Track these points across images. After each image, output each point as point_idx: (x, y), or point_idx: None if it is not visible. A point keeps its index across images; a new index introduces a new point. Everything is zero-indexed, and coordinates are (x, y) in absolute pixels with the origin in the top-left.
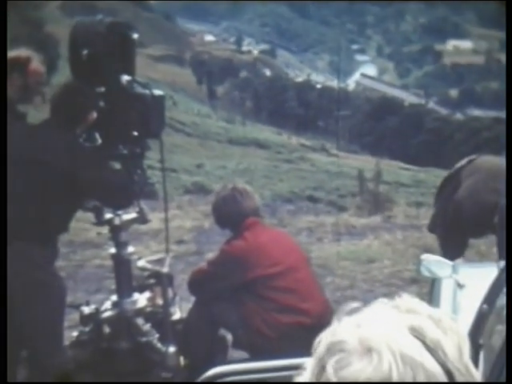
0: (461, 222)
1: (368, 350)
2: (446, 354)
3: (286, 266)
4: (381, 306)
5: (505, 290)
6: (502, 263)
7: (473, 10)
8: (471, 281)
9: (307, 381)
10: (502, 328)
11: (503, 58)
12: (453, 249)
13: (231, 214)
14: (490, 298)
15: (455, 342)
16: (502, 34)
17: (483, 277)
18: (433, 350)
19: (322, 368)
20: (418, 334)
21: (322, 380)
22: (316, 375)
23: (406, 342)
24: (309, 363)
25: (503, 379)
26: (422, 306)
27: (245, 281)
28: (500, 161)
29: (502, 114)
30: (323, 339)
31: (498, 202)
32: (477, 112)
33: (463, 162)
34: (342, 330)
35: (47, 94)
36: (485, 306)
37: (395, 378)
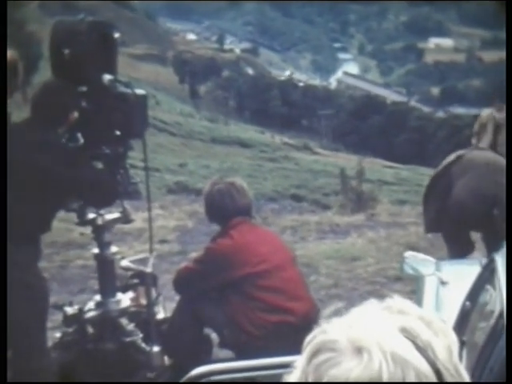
0: (466, 220)
1: (358, 350)
2: (436, 354)
3: (272, 265)
4: (372, 306)
5: (487, 286)
6: (485, 260)
7: (454, 9)
8: (454, 278)
9: (297, 379)
10: (484, 325)
11: (484, 55)
12: (462, 246)
13: (225, 208)
14: (472, 295)
15: (445, 344)
16: (483, 32)
17: (466, 274)
18: (423, 350)
19: (312, 366)
20: (408, 334)
21: (312, 379)
22: (306, 374)
23: (396, 342)
24: (299, 361)
25: (486, 376)
26: (413, 307)
27: (230, 279)
28: (491, 154)
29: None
30: (314, 338)
31: (497, 195)
32: (459, 110)
33: (451, 158)
34: (334, 329)
35: (28, 93)
36: (468, 303)
37: (385, 378)
